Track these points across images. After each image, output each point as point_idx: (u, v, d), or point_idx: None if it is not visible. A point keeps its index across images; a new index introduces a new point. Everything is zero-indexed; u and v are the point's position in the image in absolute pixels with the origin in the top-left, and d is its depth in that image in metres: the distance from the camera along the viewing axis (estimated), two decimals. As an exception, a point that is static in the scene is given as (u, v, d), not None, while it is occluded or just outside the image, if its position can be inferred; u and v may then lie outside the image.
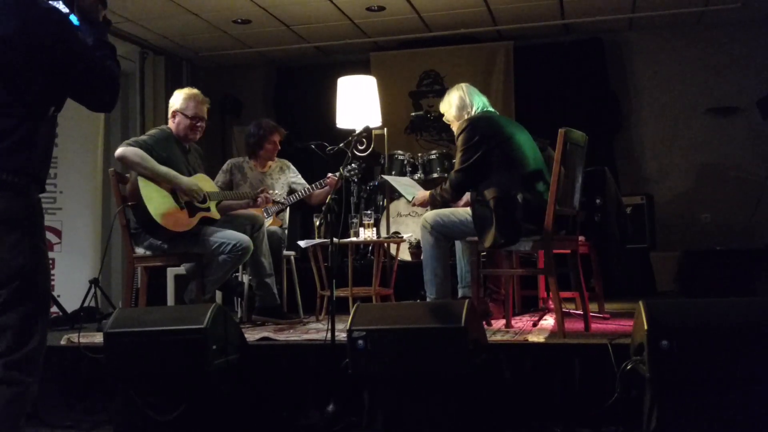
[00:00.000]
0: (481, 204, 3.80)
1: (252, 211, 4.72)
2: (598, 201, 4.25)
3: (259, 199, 4.60)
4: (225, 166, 5.08)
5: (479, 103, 4.05)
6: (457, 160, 3.95)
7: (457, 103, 4.05)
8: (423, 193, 4.23)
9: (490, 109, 4.09)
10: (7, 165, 1.96)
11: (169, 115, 4.33)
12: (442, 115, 4.20)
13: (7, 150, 1.96)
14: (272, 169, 5.10)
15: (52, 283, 4.79)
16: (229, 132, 8.18)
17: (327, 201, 4.05)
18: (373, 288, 4.55)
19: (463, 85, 4.13)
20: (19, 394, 2.01)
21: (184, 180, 4.13)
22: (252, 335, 3.79)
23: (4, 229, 1.96)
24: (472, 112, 4.01)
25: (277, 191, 4.93)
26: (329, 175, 4.92)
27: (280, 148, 5.09)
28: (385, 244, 4.97)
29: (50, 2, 2.08)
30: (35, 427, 3.46)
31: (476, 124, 3.91)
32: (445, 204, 4.10)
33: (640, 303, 2.81)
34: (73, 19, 2.13)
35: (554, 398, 3.16)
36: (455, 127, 4.06)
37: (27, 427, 3.48)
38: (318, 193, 5.04)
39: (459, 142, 3.92)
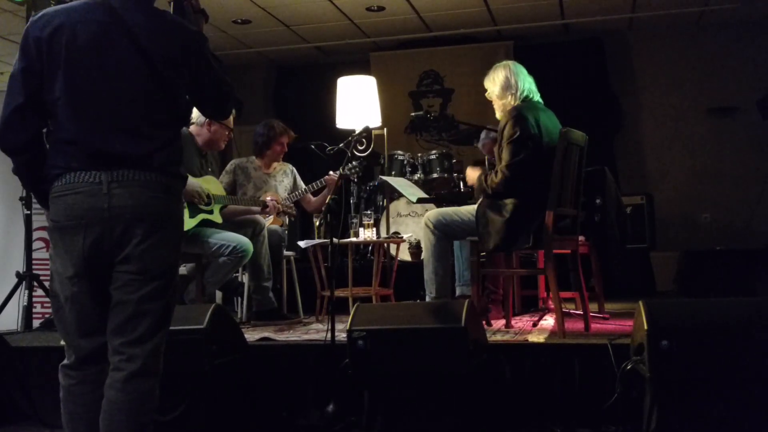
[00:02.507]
0: (491, 204, 3.77)
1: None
2: (598, 201, 4.24)
3: (269, 206, 4.61)
4: (228, 167, 5.07)
5: (525, 85, 3.88)
6: (504, 154, 3.72)
7: (502, 83, 3.89)
8: (473, 174, 4.03)
9: (536, 96, 3.93)
10: (168, 171, 2.14)
11: (201, 122, 4.31)
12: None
13: (169, 158, 2.15)
14: (276, 171, 5.09)
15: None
16: (229, 132, 8.18)
17: (327, 201, 4.05)
18: (373, 288, 4.55)
19: (510, 63, 3.98)
20: (155, 387, 2.12)
21: (190, 181, 4.12)
22: (252, 335, 3.79)
23: (165, 228, 2.13)
24: (517, 94, 3.86)
25: (280, 193, 4.93)
26: (330, 173, 4.92)
27: (287, 150, 5.09)
28: (385, 245, 4.96)
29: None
30: (35, 427, 3.47)
31: (525, 118, 3.70)
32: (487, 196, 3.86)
33: (640, 303, 2.81)
34: None
35: (554, 398, 3.15)
36: (497, 107, 3.95)
37: (27, 427, 3.50)
38: (314, 200, 5.09)
39: (504, 134, 3.73)
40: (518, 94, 3.86)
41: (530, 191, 3.68)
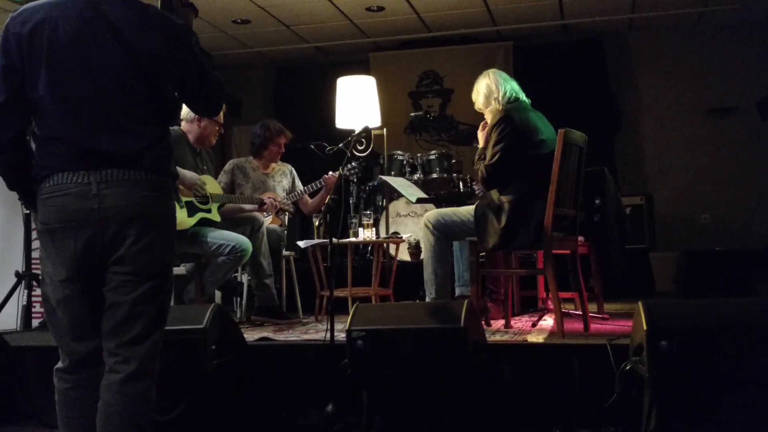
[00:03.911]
0: (489, 204, 3.78)
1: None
2: (597, 201, 4.24)
3: (266, 204, 4.61)
4: (227, 167, 5.08)
5: (507, 88, 3.93)
6: (488, 153, 3.82)
7: (484, 91, 3.97)
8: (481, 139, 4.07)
9: (522, 96, 3.97)
10: (158, 168, 2.11)
11: (190, 118, 4.31)
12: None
13: (158, 156, 2.11)
14: (275, 171, 5.10)
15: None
16: (229, 132, 8.18)
17: (326, 202, 4.05)
18: (373, 288, 4.55)
19: (490, 71, 4.04)
20: (151, 388, 2.09)
21: (187, 174, 4.12)
22: (251, 335, 3.79)
23: (158, 227, 2.10)
24: (500, 98, 3.91)
25: (278, 194, 4.94)
26: (330, 173, 4.92)
27: (284, 150, 5.09)
28: (385, 245, 4.97)
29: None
30: (35, 427, 3.47)
31: (511, 119, 3.78)
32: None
33: (640, 303, 2.81)
34: None
35: (554, 398, 3.16)
36: (487, 116, 3.99)
37: (26, 427, 3.50)
38: (311, 201, 5.09)
39: (493, 134, 3.81)
40: (500, 97, 3.94)
41: (527, 189, 3.71)
